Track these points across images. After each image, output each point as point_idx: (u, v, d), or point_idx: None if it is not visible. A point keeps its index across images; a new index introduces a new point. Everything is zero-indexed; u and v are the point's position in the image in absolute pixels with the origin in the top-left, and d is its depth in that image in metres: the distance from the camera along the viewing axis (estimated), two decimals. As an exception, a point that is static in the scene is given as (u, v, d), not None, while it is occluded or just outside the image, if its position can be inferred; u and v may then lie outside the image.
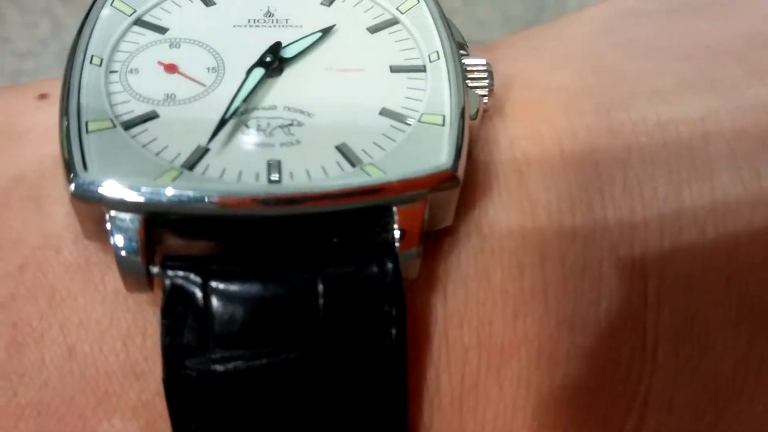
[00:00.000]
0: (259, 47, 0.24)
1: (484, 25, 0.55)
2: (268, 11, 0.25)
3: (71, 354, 0.21)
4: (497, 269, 0.22)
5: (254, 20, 0.25)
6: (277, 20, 0.25)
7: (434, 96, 0.23)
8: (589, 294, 0.22)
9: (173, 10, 0.25)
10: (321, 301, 0.20)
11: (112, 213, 0.19)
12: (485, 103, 0.23)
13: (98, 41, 0.23)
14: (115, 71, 0.23)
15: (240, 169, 0.21)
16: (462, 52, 0.24)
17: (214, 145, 0.21)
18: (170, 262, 0.20)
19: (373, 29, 0.25)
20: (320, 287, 0.20)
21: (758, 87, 0.24)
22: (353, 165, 0.21)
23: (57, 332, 0.21)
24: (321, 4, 0.25)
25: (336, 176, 0.21)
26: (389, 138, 0.22)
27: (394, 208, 0.20)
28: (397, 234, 0.20)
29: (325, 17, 0.25)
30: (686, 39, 0.26)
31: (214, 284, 0.19)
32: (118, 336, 0.21)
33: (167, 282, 0.19)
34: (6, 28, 0.51)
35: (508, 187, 0.22)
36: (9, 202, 0.22)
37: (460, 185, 0.21)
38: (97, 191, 0.19)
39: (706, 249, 0.22)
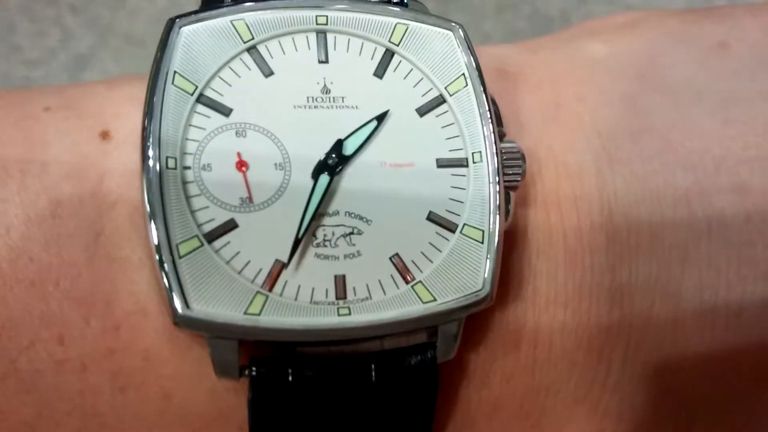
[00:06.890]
0: (319, 137, 0.25)
1: (490, 38, 0.54)
2: (325, 86, 0.26)
3: (168, 398, 0.26)
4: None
5: (312, 99, 0.26)
6: (333, 99, 0.26)
7: (475, 202, 0.26)
8: None
9: (233, 81, 0.25)
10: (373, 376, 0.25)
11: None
12: (516, 189, 0.26)
13: (168, 135, 0.24)
14: (189, 167, 0.24)
15: (312, 286, 0.24)
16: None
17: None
18: (256, 362, 0.24)
19: (422, 111, 0.26)
20: (373, 374, 0.25)
21: None
22: (406, 281, 0.25)
23: (153, 381, 0.25)
24: (374, 75, 0.26)
25: (392, 296, 0.24)
26: (435, 248, 0.25)
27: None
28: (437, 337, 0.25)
29: (377, 93, 0.26)
30: None
31: (291, 380, 0.24)
32: (208, 388, 0.26)
33: (254, 377, 0.24)
34: (16, 36, 0.50)
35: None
36: (93, 261, 0.25)
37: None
38: (198, 326, 0.23)
39: None
